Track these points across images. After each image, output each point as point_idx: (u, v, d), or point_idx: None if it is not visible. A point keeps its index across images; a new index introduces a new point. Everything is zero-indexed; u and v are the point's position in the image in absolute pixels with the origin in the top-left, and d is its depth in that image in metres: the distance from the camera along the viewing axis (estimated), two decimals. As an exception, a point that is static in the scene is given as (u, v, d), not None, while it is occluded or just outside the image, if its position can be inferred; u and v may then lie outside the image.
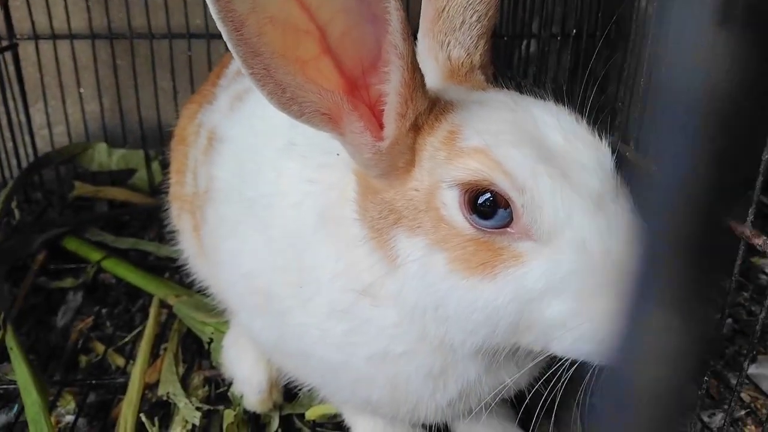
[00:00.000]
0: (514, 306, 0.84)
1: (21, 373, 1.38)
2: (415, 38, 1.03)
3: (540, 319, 0.85)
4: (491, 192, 0.83)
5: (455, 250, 0.85)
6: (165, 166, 2.08)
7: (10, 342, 1.46)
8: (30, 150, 2.22)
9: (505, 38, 1.96)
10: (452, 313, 0.88)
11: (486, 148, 0.83)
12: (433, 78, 1.00)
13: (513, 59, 2.00)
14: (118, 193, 2.19)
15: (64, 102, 2.26)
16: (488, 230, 0.84)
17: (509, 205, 0.83)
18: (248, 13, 0.77)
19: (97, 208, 2.19)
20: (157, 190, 2.19)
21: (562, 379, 0.91)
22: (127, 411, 1.35)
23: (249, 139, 1.17)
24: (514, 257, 0.83)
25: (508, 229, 0.83)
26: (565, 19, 1.94)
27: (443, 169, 0.86)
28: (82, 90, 2.29)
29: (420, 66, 0.87)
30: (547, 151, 0.84)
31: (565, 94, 1.00)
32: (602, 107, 1.03)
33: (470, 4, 1.00)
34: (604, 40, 1.81)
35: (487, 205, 0.83)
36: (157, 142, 2.26)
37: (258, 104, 1.19)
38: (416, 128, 0.90)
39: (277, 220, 1.05)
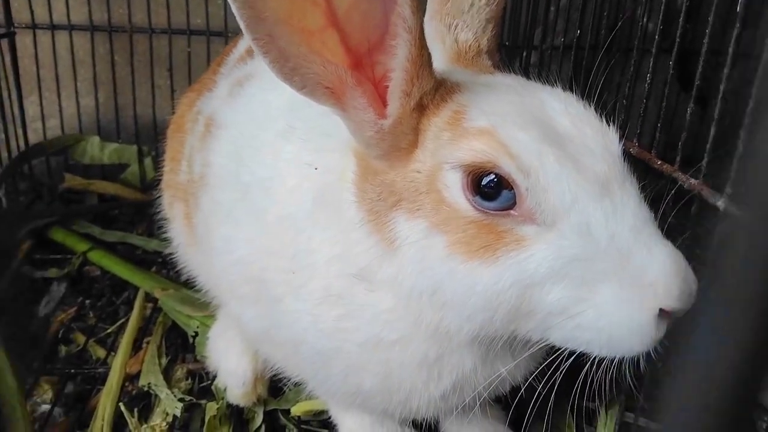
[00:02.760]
0: (515, 291, 0.81)
1: (-2, 358, 1.33)
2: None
3: (540, 306, 0.82)
4: (495, 174, 0.81)
5: (456, 233, 0.83)
6: (158, 162, 2.06)
7: (-11, 327, 1.41)
8: (21, 142, 2.18)
9: (507, 44, 1.97)
10: (449, 298, 0.85)
11: (492, 129, 0.82)
12: (439, 61, 0.99)
13: (513, 68, 2.00)
14: (108, 187, 2.15)
15: (59, 95, 2.24)
16: (491, 212, 0.82)
17: (513, 187, 0.81)
18: None
19: (87, 201, 2.15)
20: (149, 186, 2.17)
21: (559, 371, 0.89)
22: (105, 400, 1.31)
23: (247, 123, 1.15)
24: (516, 241, 0.81)
25: (512, 211, 0.82)
26: (567, 31, 1.95)
27: (447, 150, 0.84)
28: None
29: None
30: (554, 134, 0.83)
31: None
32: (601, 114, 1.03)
33: None
34: (604, 52, 1.82)
35: (491, 187, 0.81)
36: (151, 138, 2.24)
37: (258, 89, 1.18)
38: (421, 108, 0.88)
39: (274, 204, 1.03)
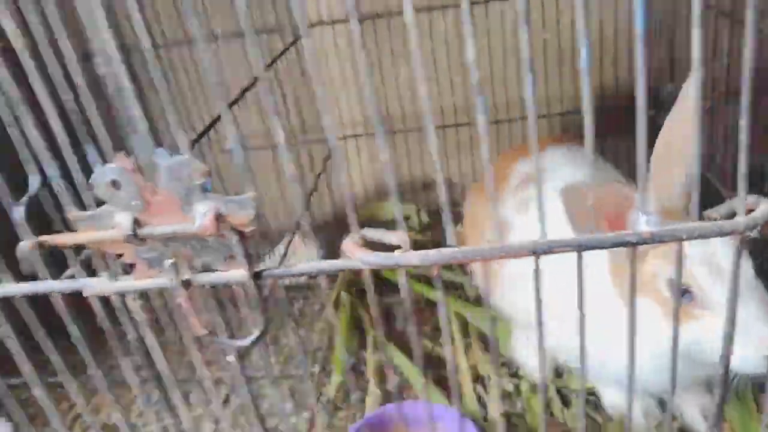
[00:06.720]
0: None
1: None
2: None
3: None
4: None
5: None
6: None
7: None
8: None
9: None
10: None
11: (689, 263, 1.15)
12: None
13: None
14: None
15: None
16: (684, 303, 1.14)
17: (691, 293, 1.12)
18: None
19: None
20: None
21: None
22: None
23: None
24: (694, 317, 1.13)
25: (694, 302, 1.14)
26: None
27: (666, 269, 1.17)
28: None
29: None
30: (718, 269, 1.14)
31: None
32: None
33: None
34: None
35: (685, 290, 1.15)
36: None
37: None
38: None
39: None
